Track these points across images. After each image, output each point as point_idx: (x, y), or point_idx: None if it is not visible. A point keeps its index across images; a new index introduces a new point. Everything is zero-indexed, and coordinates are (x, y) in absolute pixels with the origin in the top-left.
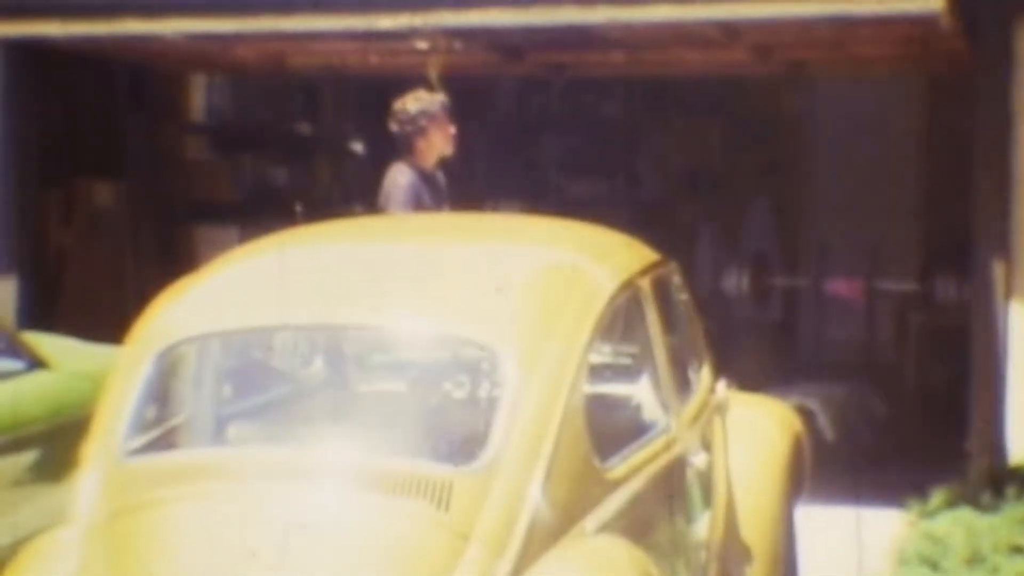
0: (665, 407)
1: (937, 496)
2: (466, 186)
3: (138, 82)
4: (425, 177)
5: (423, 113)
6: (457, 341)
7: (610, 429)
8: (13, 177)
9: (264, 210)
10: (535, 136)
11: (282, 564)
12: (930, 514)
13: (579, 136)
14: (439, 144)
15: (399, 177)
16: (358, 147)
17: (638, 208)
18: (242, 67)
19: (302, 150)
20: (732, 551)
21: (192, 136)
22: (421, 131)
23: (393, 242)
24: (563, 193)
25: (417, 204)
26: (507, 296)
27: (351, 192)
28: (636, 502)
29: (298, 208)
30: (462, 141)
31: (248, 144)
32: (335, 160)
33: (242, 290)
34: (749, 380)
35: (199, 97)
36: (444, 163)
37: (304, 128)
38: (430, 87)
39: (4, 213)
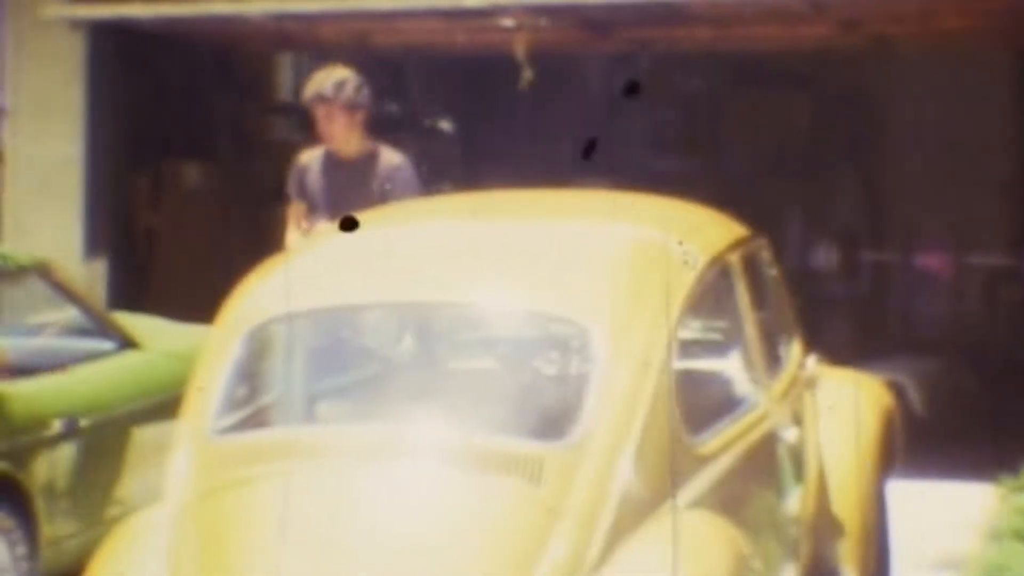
0: (755, 382)
1: None
2: (553, 163)
3: (224, 63)
4: (333, 162)
5: (305, 91)
6: (547, 318)
7: (700, 405)
8: (102, 160)
9: None
10: (622, 113)
11: (373, 542)
12: (1021, 488)
13: (666, 112)
14: (319, 133)
15: (300, 156)
16: (445, 126)
17: (725, 184)
18: (327, 47)
19: (388, 129)
20: (823, 526)
21: (278, 117)
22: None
23: (482, 219)
24: (649, 170)
25: (298, 190)
26: (597, 273)
27: (438, 171)
28: (727, 478)
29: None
30: (548, 118)
31: None
32: (422, 139)
33: (331, 269)
34: (839, 355)
35: (285, 78)
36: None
37: (390, 107)
38: (517, 64)
39: (94, 196)
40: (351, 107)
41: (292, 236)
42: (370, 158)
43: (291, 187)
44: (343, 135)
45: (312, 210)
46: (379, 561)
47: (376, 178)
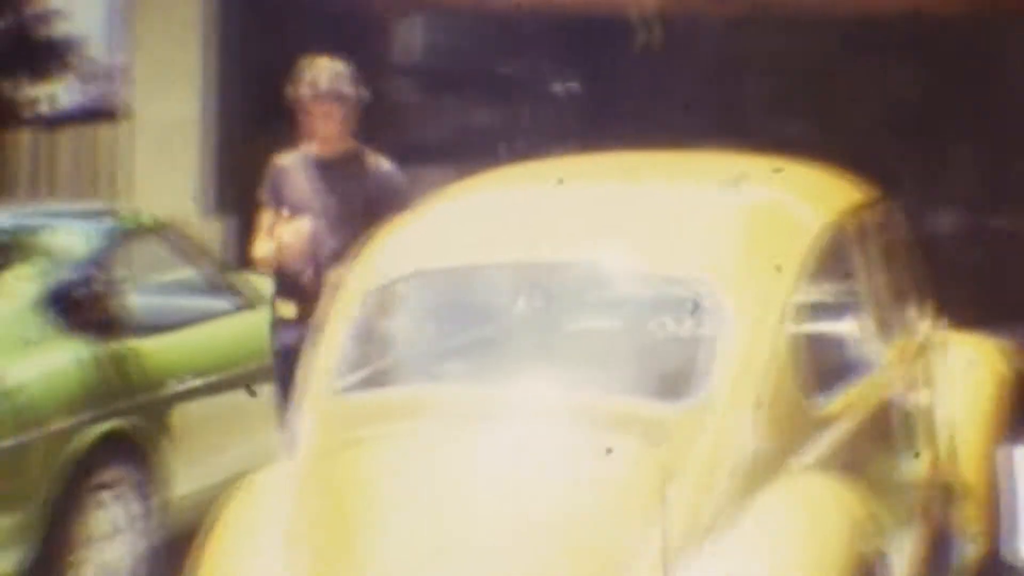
0: (879, 345)
1: None
2: (670, 126)
3: (346, 25)
4: (314, 163)
5: (295, 85)
6: (667, 279)
7: (823, 367)
8: (223, 121)
9: (473, 151)
10: (741, 76)
11: (493, 501)
12: None
13: (783, 76)
14: (306, 131)
15: (276, 160)
16: (561, 87)
17: (843, 149)
18: (447, 8)
19: (508, 91)
20: (946, 491)
21: (399, 78)
22: (294, 106)
23: (602, 180)
24: (769, 133)
25: (273, 198)
26: (719, 234)
27: (560, 132)
28: (848, 440)
29: (506, 148)
30: (666, 81)
31: (455, 85)
32: (541, 100)
33: (452, 229)
34: (961, 319)
35: (406, 40)
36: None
37: (510, 68)
38: (634, 26)
39: (214, 157)
40: (352, 103)
41: (263, 246)
42: (355, 158)
43: (265, 193)
44: (339, 135)
45: (295, 216)
46: (498, 520)
47: (367, 179)
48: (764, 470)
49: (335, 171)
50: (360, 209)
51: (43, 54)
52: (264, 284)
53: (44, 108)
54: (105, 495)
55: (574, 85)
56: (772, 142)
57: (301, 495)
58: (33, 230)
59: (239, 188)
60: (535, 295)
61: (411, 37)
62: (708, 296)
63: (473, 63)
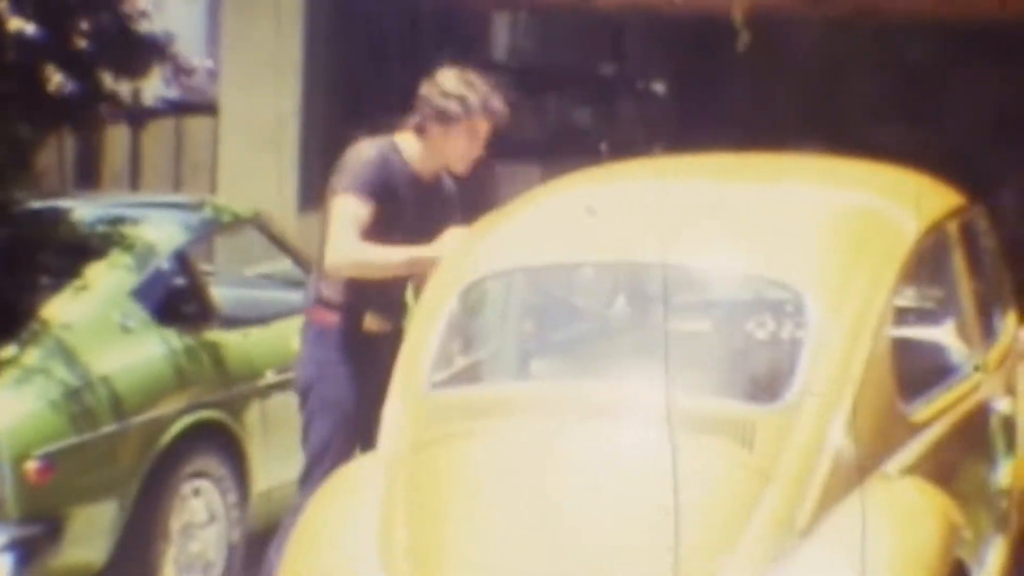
0: (969, 352)
1: None
2: (769, 128)
3: (443, 21)
4: (408, 176)
5: (459, 100)
6: (762, 281)
7: (914, 372)
8: (318, 115)
9: (566, 149)
10: (840, 79)
11: (584, 500)
12: None
13: (885, 80)
14: (450, 150)
15: (366, 152)
16: (660, 88)
17: (943, 154)
18: (546, 6)
19: (605, 90)
20: None
21: (495, 75)
22: (441, 120)
23: (698, 181)
24: (867, 137)
25: (376, 197)
26: (813, 237)
27: (654, 133)
28: (939, 446)
29: (603, 147)
30: (765, 83)
31: (551, 84)
32: (638, 101)
33: (546, 227)
34: None
35: (503, 36)
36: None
37: (608, 68)
38: (735, 28)
39: (309, 150)
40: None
41: (351, 245)
42: (440, 180)
43: (364, 182)
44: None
45: (388, 224)
46: (589, 519)
47: (441, 202)
48: (856, 474)
49: (427, 190)
50: (437, 233)
51: (139, 49)
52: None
53: (138, 102)
54: (194, 485)
55: (672, 86)
56: (869, 146)
57: (392, 489)
58: (127, 221)
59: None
60: (631, 295)
61: (508, 35)
62: (802, 298)
63: (570, 62)
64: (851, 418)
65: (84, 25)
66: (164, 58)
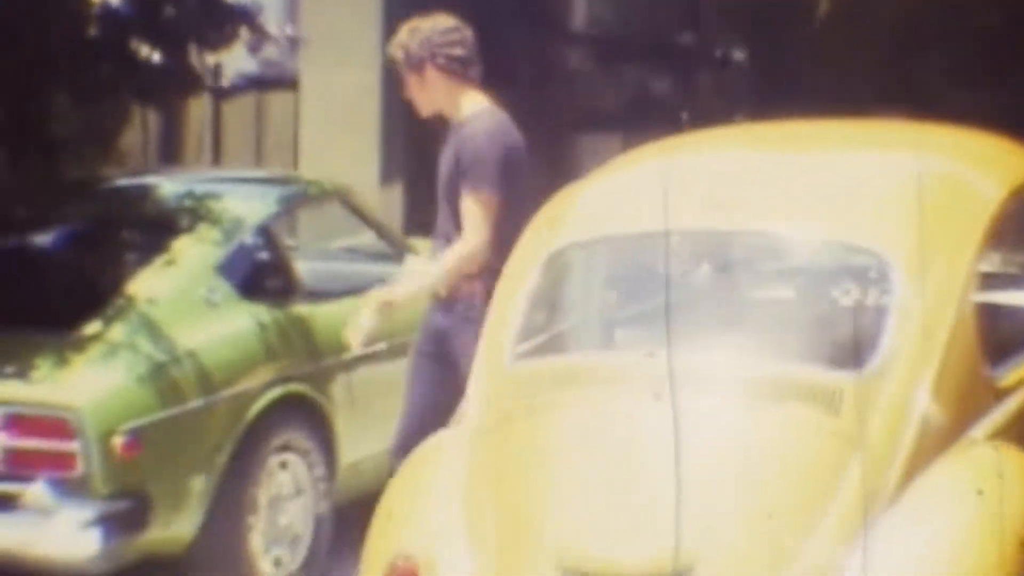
0: None
1: None
2: (848, 94)
3: None
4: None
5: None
6: (846, 247)
7: (1000, 337)
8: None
9: (645, 119)
10: (919, 44)
11: (671, 469)
12: None
13: (964, 46)
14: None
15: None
16: (738, 55)
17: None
18: None
19: (684, 59)
20: None
21: (575, 46)
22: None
23: (779, 149)
24: (947, 102)
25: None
26: (897, 203)
27: (733, 101)
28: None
29: (684, 116)
30: (843, 49)
31: (630, 54)
32: (717, 69)
33: (629, 196)
34: None
35: (581, 6)
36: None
37: (686, 37)
38: None
39: (391, 125)
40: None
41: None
42: (459, 126)
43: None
44: (425, 102)
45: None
46: (676, 490)
47: (447, 151)
48: (943, 440)
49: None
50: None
51: (220, 23)
52: None
53: (221, 76)
54: (281, 459)
55: (750, 54)
56: (950, 111)
57: (475, 461)
58: (213, 195)
59: (415, 155)
60: (715, 263)
61: (586, 4)
62: (886, 264)
63: (648, 31)
64: (937, 384)
65: None
66: (252, 27)
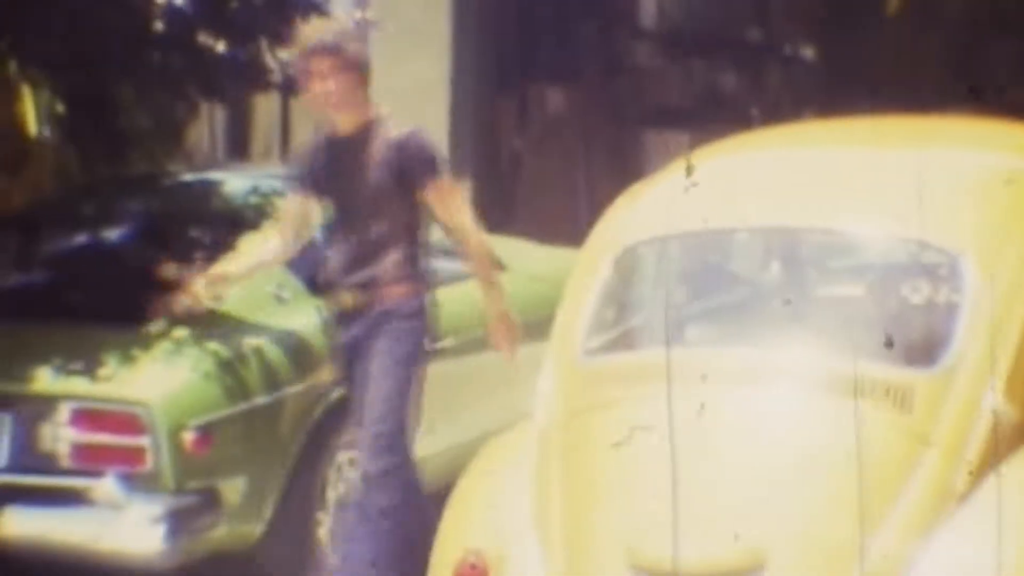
0: None
1: None
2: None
3: None
4: (335, 145)
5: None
6: (916, 244)
7: None
8: (470, 83)
9: (713, 115)
10: (987, 41)
11: (744, 464)
12: None
13: None
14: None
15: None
16: (807, 52)
17: None
18: None
19: (752, 56)
20: None
21: (643, 41)
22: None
23: (848, 146)
24: (1017, 98)
25: (303, 186)
26: (967, 200)
27: (801, 98)
28: None
29: (753, 113)
30: (913, 45)
31: (698, 50)
32: (785, 66)
33: (700, 192)
34: None
35: (650, 3)
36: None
37: (754, 33)
38: None
39: (459, 118)
40: (358, 64)
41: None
42: (367, 130)
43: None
44: (345, 101)
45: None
46: (747, 484)
47: (374, 157)
48: (1016, 437)
49: (347, 148)
50: (369, 194)
51: (287, 18)
52: (508, 246)
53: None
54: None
55: (819, 50)
56: (1019, 108)
57: (545, 457)
58: (279, 192)
59: (483, 149)
60: (784, 260)
61: (655, 1)
62: (956, 262)
63: (717, 27)
64: (1008, 382)
65: None
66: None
